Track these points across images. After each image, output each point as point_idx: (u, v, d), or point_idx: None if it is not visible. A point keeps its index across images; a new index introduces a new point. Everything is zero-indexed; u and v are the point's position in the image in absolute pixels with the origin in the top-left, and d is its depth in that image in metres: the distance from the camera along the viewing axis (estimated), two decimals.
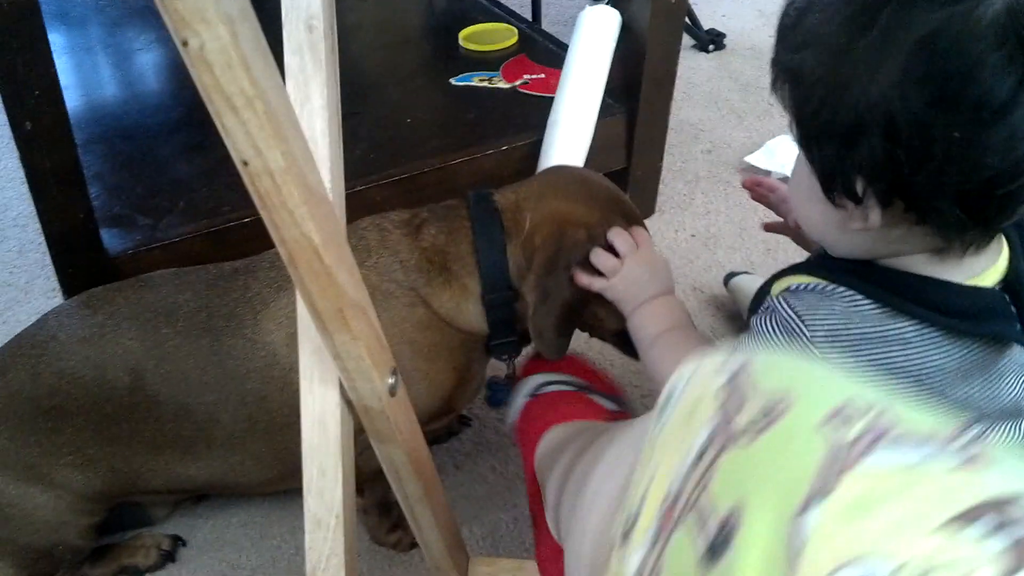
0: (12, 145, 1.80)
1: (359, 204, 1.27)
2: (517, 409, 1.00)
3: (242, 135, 0.47)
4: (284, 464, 1.02)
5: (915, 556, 0.26)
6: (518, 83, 1.63)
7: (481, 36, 1.79)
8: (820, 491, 0.30)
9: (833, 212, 0.72)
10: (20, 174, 1.76)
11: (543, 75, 1.65)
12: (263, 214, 0.52)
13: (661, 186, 1.69)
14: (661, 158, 1.64)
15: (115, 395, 0.97)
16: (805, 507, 0.30)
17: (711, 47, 2.26)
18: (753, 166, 1.74)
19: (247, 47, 0.44)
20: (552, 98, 1.51)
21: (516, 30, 1.79)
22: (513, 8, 1.96)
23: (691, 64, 2.11)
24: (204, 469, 1.03)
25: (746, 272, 1.47)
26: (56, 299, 1.50)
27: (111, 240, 1.29)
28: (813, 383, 0.35)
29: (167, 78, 1.80)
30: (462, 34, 1.79)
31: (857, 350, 0.72)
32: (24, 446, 0.98)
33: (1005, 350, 0.74)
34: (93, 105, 1.67)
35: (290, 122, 0.49)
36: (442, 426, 1.18)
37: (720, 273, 1.52)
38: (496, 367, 1.12)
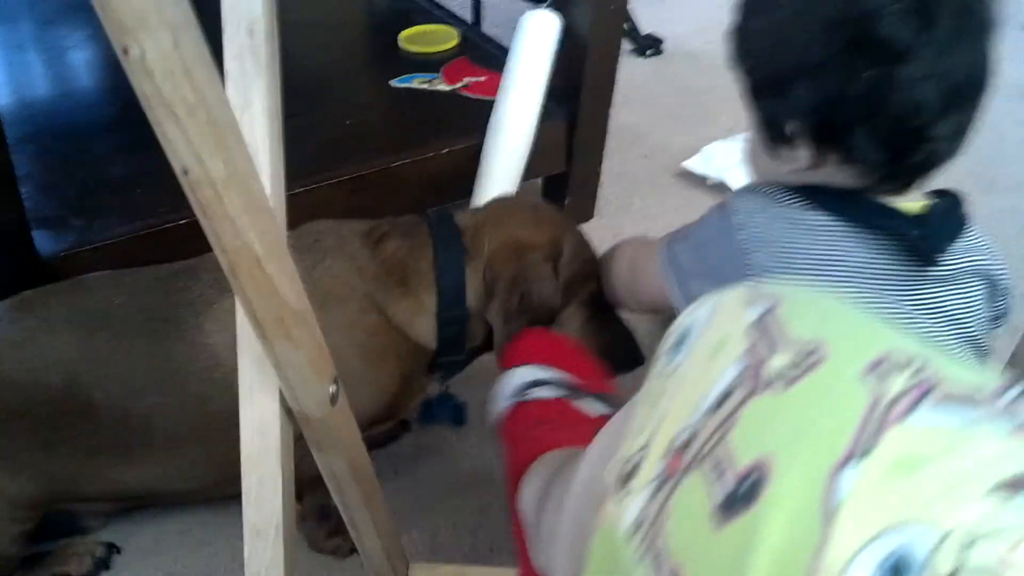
0: None
1: (301, 206, 1.23)
2: (503, 409, 0.97)
3: (183, 144, 0.46)
4: (223, 470, 1.01)
5: (960, 523, 0.26)
6: (459, 85, 1.63)
7: (422, 38, 1.78)
8: (860, 449, 0.28)
9: (774, 162, 0.86)
10: None
11: (484, 78, 1.64)
12: (203, 223, 0.51)
13: (600, 190, 1.70)
14: (600, 162, 1.66)
15: (49, 399, 0.95)
16: (843, 465, 0.28)
17: (649, 52, 2.28)
18: (690, 171, 1.76)
19: (189, 55, 0.43)
20: (493, 101, 1.51)
21: (457, 32, 1.79)
22: (453, 10, 1.96)
23: (630, 69, 2.12)
24: (142, 475, 1.01)
25: None
26: None
27: (44, 242, 1.26)
28: (849, 331, 0.34)
29: (101, 76, 1.77)
30: (402, 35, 1.78)
31: (770, 229, 0.84)
32: None
33: (926, 269, 0.82)
34: (24, 103, 1.64)
35: (232, 130, 0.49)
36: (383, 431, 1.17)
37: None
38: None
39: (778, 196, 0.85)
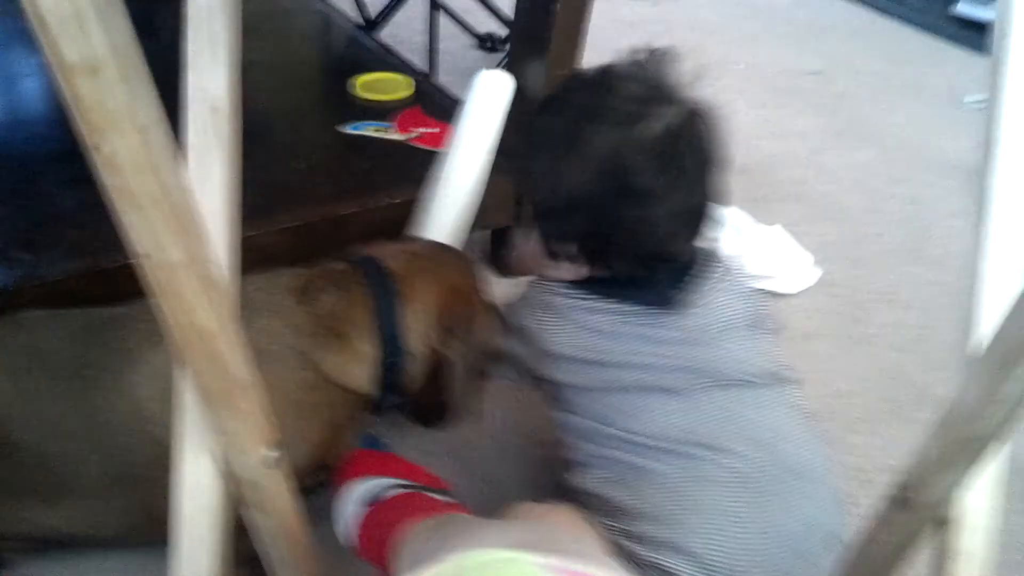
0: None
1: (247, 249, 1.27)
2: (356, 518, 1.06)
3: (146, 232, 0.49)
4: (144, 515, 1.01)
5: None
6: (412, 135, 1.66)
7: (377, 85, 1.81)
8: None
9: (553, 269, 1.05)
10: None
11: (437, 129, 1.68)
12: (159, 302, 0.54)
13: None
14: None
15: None
16: None
17: None
18: None
19: (157, 152, 0.46)
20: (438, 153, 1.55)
21: (412, 81, 1.82)
22: (406, 58, 1.99)
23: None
24: (66, 519, 1.01)
25: None
26: None
27: None
28: None
29: (51, 106, 1.77)
30: (359, 82, 1.81)
31: (549, 309, 1.04)
32: None
33: (671, 317, 1.01)
34: None
35: (192, 218, 0.51)
36: (316, 480, 1.19)
37: None
38: None
39: (561, 291, 1.05)
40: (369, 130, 1.68)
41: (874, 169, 2.21)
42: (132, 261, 1.25)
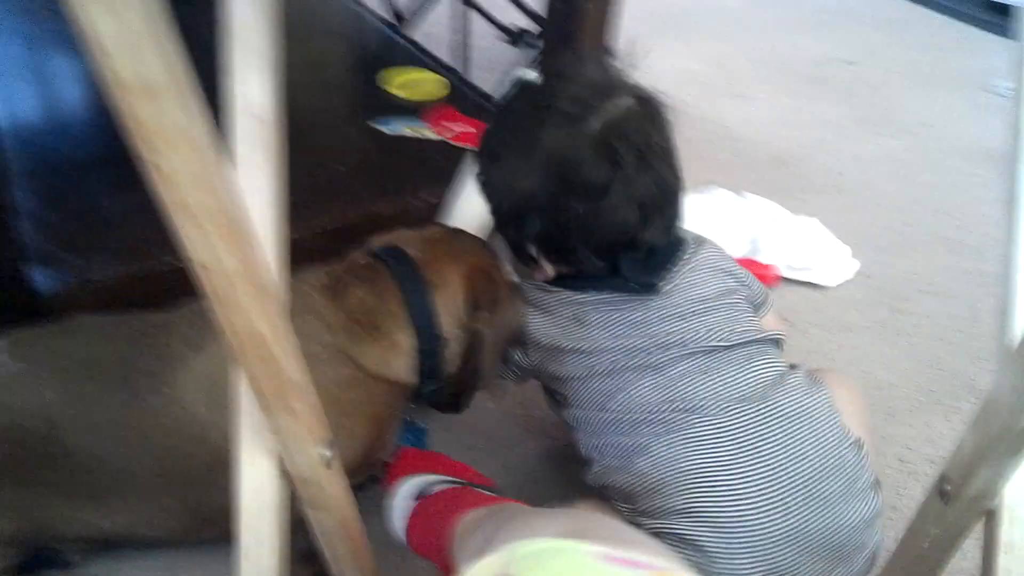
0: None
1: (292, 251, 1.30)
2: (405, 512, 1.09)
3: (203, 244, 0.50)
4: (198, 518, 1.04)
5: None
6: (448, 135, 1.68)
7: (412, 85, 1.83)
8: None
9: (530, 270, 1.11)
10: None
11: (472, 128, 1.70)
12: (216, 309, 0.55)
13: None
14: None
15: (30, 442, 0.98)
16: None
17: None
18: None
19: (212, 169, 0.48)
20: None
21: (448, 82, 1.84)
22: (439, 55, 2.01)
23: None
24: (118, 520, 1.04)
25: None
26: None
27: (42, 280, 1.29)
28: None
29: (96, 110, 1.80)
30: (395, 81, 1.83)
31: (531, 306, 1.10)
32: None
33: (641, 300, 1.05)
34: (21, 137, 1.66)
35: (246, 230, 0.53)
36: (364, 476, 1.21)
37: None
38: None
39: (540, 287, 1.10)
40: (405, 130, 1.70)
41: (907, 158, 2.20)
42: (176, 264, 1.31)
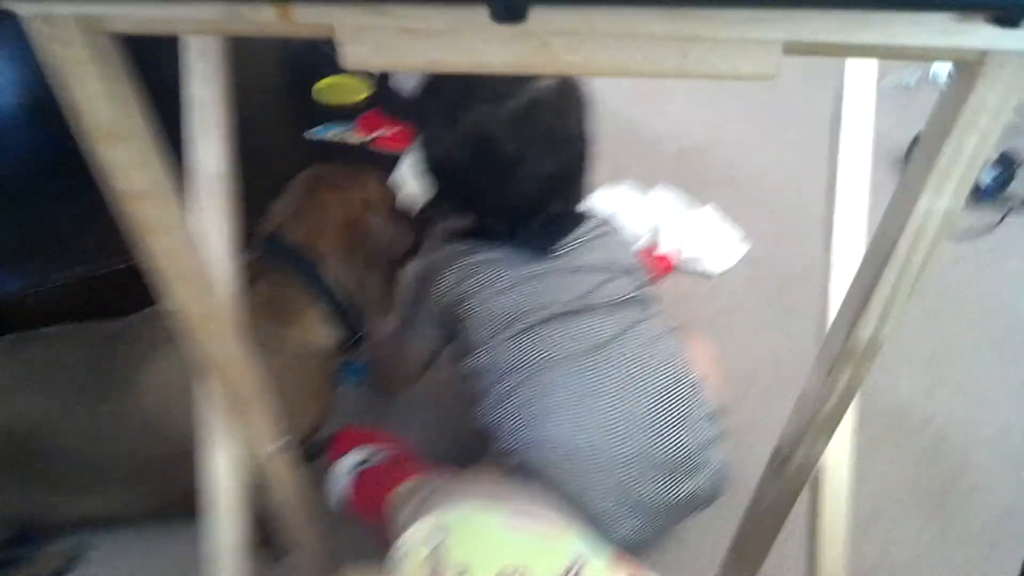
0: None
1: None
2: (346, 485, 1.25)
3: (177, 296, 0.65)
4: (167, 501, 1.19)
5: None
6: (371, 137, 1.81)
7: (336, 89, 1.94)
8: None
9: (449, 218, 1.29)
10: None
11: (397, 129, 1.82)
12: (185, 342, 0.70)
13: None
14: None
15: (18, 442, 1.11)
16: None
17: None
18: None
19: (185, 245, 0.63)
20: (401, 154, 1.70)
21: (368, 84, 1.95)
22: None
23: None
24: (102, 505, 1.19)
25: None
26: None
27: None
28: (488, 554, 0.60)
29: (37, 121, 1.88)
30: (317, 86, 1.94)
31: (439, 259, 1.24)
32: None
33: (533, 260, 1.20)
34: None
35: (209, 283, 0.68)
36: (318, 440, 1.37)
37: None
38: None
39: (446, 246, 1.25)
40: (331, 133, 1.82)
41: (803, 151, 2.35)
42: (121, 267, 1.43)
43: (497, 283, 1.19)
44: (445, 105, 1.16)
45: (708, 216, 1.96)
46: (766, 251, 1.96)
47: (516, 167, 1.14)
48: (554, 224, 1.23)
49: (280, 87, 2.07)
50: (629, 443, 1.11)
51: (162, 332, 1.13)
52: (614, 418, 1.11)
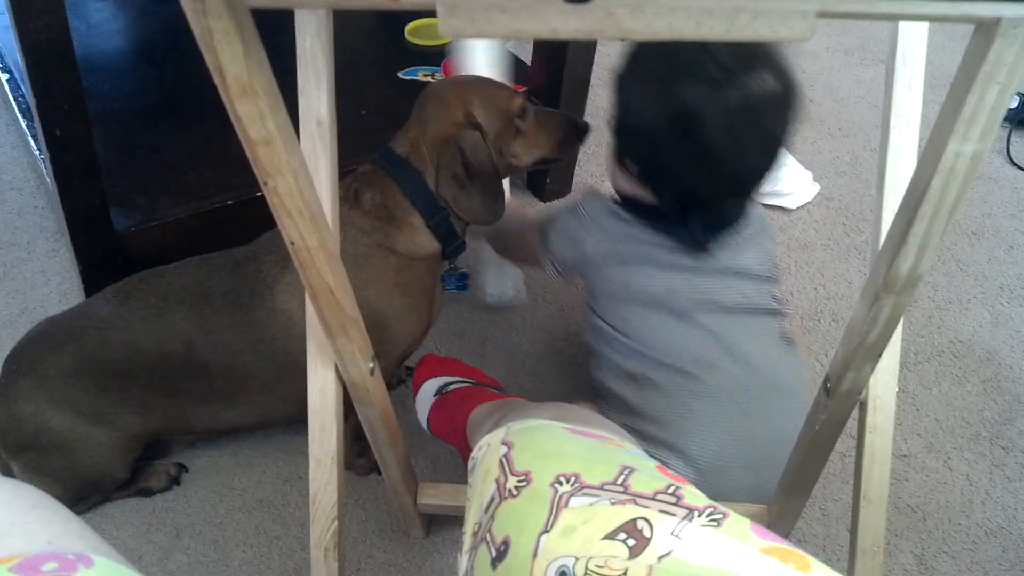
0: (1, 110, 2.02)
1: None
2: (427, 409, 1.35)
3: (295, 230, 0.75)
4: (303, 402, 1.31)
5: (586, 554, 0.57)
6: None
7: (426, 30, 2.03)
8: (548, 525, 0.60)
9: (619, 176, 1.25)
10: (10, 138, 2.00)
11: None
12: (299, 270, 0.81)
13: (577, 168, 1.98)
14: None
15: (172, 361, 1.25)
16: (541, 534, 0.60)
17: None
18: None
19: (303, 186, 0.72)
20: None
21: None
22: None
23: (608, 51, 2.38)
24: (240, 413, 1.33)
25: None
26: (56, 258, 1.75)
27: (117, 219, 1.53)
28: (545, 462, 0.67)
29: (145, 62, 2.01)
30: (408, 28, 2.03)
31: (606, 232, 1.23)
32: (96, 397, 1.26)
33: (701, 256, 1.20)
34: (90, 85, 1.86)
35: (321, 215, 0.78)
36: (400, 369, 1.48)
37: None
38: None
39: (611, 207, 1.24)
40: (420, 75, 1.91)
41: (879, 92, 2.37)
42: (231, 202, 1.55)
43: (655, 260, 1.20)
44: (654, 77, 1.12)
45: (785, 155, 2.00)
46: (838, 189, 2.01)
47: (720, 158, 1.10)
48: (724, 218, 1.21)
49: (374, 28, 2.14)
50: (747, 473, 1.19)
51: (280, 252, 1.26)
52: (748, 444, 1.18)
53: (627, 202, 1.25)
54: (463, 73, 1.56)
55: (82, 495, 1.34)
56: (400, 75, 1.91)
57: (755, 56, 1.08)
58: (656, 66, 1.12)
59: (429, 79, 1.90)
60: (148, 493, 1.41)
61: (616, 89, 1.18)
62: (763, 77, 1.07)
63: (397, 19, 2.07)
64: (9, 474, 1.31)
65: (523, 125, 1.31)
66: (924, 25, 0.90)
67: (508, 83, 1.35)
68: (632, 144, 1.18)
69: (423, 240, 1.27)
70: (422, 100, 1.31)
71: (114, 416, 1.28)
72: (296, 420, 1.36)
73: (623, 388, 1.23)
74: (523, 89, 1.36)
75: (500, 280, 1.69)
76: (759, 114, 1.08)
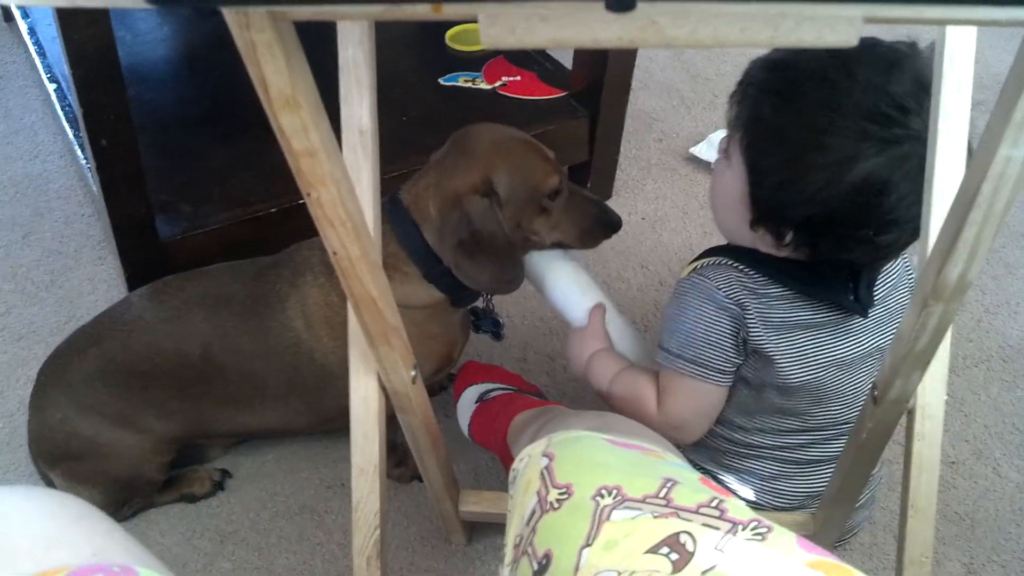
0: (49, 119, 2.06)
1: None
2: (468, 416, 1.35)
3: (336, 239, 0.75)
4: (317, 414, 1.33)
5: (628, 568, 0.57)
6: (497, 84, 1.90)
7: (467, 36, 2.03)
8: (590, 539, 0.60)
9: (748, 229, 1.08)
10: (57, 147, 2.03)
11: (519, 77, 1.91)
12: (342, 279, 0.81)
13: (618, 172, 1.97)
14: (618, 151, 1.93)
15: (190, 364, 1.26)
16: (583, 548, 0.60)
17: None
18: (696, 157, 2.03)
19: (345, 196, 0.72)
20: (527, 100, 1.79)
21: None
22: None
23: (649, 54, 2.37)
24: (258, 418, 1.34)
25: None
26: (103, 266, 1.78)
27: (162, 227, 1.55)
28: (587, 474, 0.66)
29: (189, 71, 2.04)
30: (448, 34, 2.04)
31: (740, 300, 1.09)
32: (119, 400, 1.28)
33: (850, 317, 1.10)
34: (134, 94, 1.89)
35: (363, 224, 0.78)
36: (441, 378, 1.47)
37: (664, 253, 1.82)
38: None
39: (743, 271, 1.10)
40: (461, 80, 1.92)
41: None
42: (272, 210, 1.56)
43: (817, 345, 1.12)
44: (814, 136, 0.98)
45: None
46: None
47: (893, 222, 1.00)
48: (876, 278, 1.12)
49: (415, 35, 2.15)
50: None
51: (305, 263, 1.26)
52: None
53: (750, 256, 1.11)
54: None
55: (122, 500, 1.35)
56: (441, 81, 1.92)
57: (910, 97, 0.97)
58: (804, 132, 0.99)
59: (470, 85, 1.90)
60: (192, 499, 1.42)
61: (755, 159, 1.04)
62: (924, 119, 0.94)
63: (438, 25, 2.08)
64: (52, 487, 1.33)
65: (550, 205, 1.22)
66: (973, 27, 0.89)
67: (551, 152, 1.26)
68: (787, 214, 1.03)
69: (418, 291, 1.22)
70: (453, 140, 1.25)
71: (137, 419, 1.30)
72: (321, 431, 1.37)
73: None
74: (562, 168, 1.27)
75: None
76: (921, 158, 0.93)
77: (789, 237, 1.04)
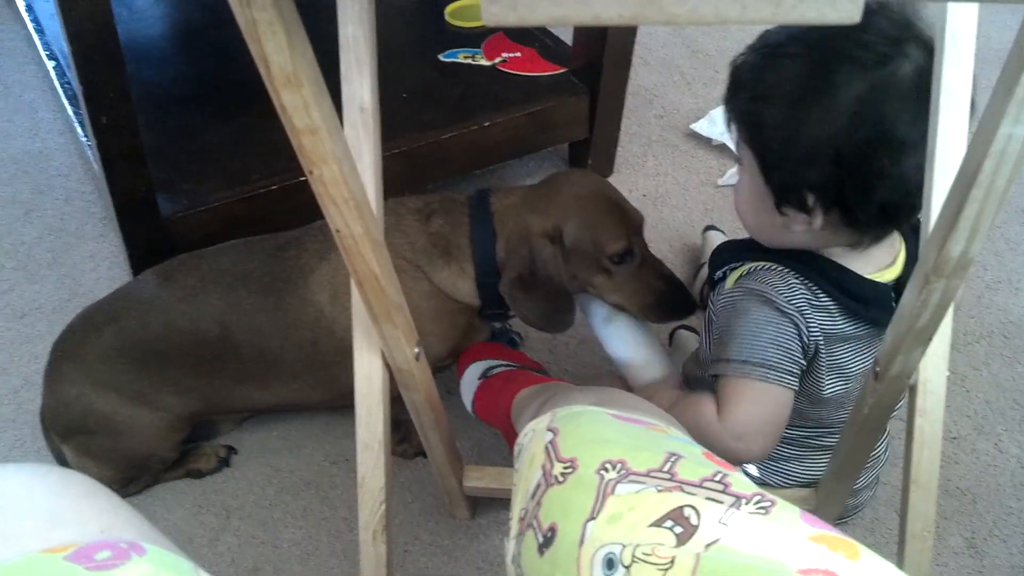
0: (49, 96, 2.06)
1: None
2: (472, 392, 1.35)
3: (340, 218, 0.76)
4: (332, 390, 1.33)
5: (633, 541, 0.57)
6: (497, 60, 1.89)
7: (466, 12, 2.02)
8: (594, 512, 0.60)
9: (778, 218, 1.05)
10: (57, 125, 2.03)
11: (519, 53, 1.90)
12: (345, 257, 0.81)
13: (619, 148, 1.97)
14: (618, 128, 1.92)
15: (207, 341, 1.27)
16: (587, 521, 0.60)
17: None
18: (697, 133, 2.02)
19: (348, 174, 0.73)
20: (527, 76, 1.78)
21: None
22: None
23: (649, 30, 2.36)
24: (274, 394, 1.35)
25: (718, 230, 1.76)
26: (105, 243, 1.78)
27: (164, 204, 1.55)
28: (591, 448, 0.67)
29: (189, 48, 2.03)
30: (448, 9, 2.03)
31: (799, 307, 1.06)
32: (137, 378, 1.29)
33: (883, 332, 1.05)
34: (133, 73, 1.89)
35: (366, 202, 0.78)
36: (450, 362, 1.48)
37: (666, 230, 1.82)
38: None
39: (788, 278, 1.08)
40: (460, 57, 1.91)
41: None
42: (274, 187, 1.56)
43: (843, 331, 1.10)
44: (808, 72, 0.98)
45: None
46: None
47: (907, 153, 0.96)
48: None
49: (414, 11, 2.14)
50: None
51: (324, 243, 1.27)
52: None
53: (796, 259, 1.09)
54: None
55: (132, 476, 1.36)
56: (441, 57, 1.91)
57: (908, 28, 0.96)
58: (800, 73, 0.98)
59: (470, 61, 1.89)
60: (198, 475, 1.43)
61: (752, 126, 1.04)
62: (918, 51, 0.95)
63: (437, 1, 2.07)
64: (62, 459, 1.34)
65: (614, 268, 1.23)
66: (974, 3, 0.88)
67: (637, 220, 1.27)
68: (799, 173, 1.00)
69: (464, 287, 1.27)
70: (550, 177, 1.30)
71: (154, 396, 1.30)
72: (333, 406, 1.38)
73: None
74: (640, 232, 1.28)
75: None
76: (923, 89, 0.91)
77: (812, 200, 1.01)
